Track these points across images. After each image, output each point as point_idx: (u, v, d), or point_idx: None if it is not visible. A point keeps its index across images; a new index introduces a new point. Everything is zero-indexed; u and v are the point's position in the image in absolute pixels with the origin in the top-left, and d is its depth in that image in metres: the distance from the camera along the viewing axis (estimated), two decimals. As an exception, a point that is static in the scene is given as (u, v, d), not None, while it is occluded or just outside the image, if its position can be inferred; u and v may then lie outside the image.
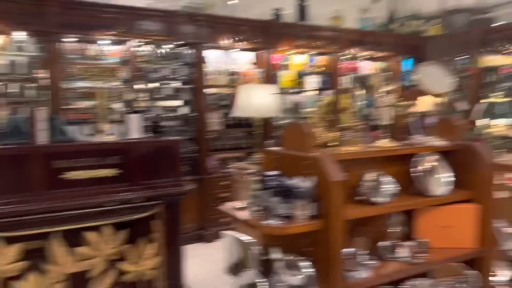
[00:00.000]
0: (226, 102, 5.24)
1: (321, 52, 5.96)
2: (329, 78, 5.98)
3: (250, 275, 1.98)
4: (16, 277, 2.59)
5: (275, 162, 2.27)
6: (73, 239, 2.70)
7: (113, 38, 4.53)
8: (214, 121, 5.19)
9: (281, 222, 1.89)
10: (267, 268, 2.03)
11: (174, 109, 4.97)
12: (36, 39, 4.16)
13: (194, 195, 4.67)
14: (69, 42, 4.35)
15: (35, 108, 2.94)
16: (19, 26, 4.02)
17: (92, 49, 4.52)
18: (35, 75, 4.17)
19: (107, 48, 4.61)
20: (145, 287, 2.98)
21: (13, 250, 2.56)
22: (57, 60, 4.19)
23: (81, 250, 2.72)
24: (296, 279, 1.88)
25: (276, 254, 1.97)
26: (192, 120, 5.03)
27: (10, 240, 2.55)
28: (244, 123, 5.20)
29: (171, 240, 3.22)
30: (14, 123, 2.91)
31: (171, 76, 4.96)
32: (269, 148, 2.54)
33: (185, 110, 5.02)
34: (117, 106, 4.39)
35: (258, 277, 1.96)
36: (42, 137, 2.91)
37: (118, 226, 2.85)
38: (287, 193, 1.90)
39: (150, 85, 4.83)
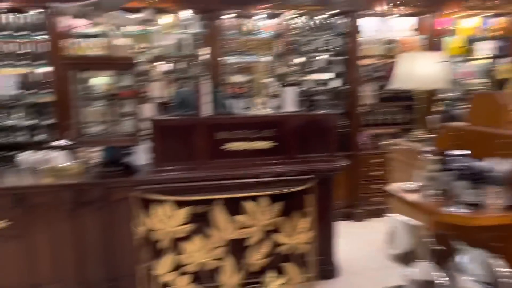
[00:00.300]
0: (381, 74, 4.87)
1: (497, 13, 5.06)
2: (508, 44, 5.06)
3: (424, 267, 1.75)
4: (184, 238, 2.82)
5: (455, 139, 1.95)
6: (233, 208, 2.82)
7: (267, 12, 4.55)
8: (367, 94, 4.88)
9: (467, 211, 1.61)
10: (441, 261, 1.78)
11: (325, 82, 4.81)
12: (199, 17, 4.41)
13: (344, 171, 4.50)
14: (228, 19, 4.51)
15: (200, 82, 3.11)
16: (185, 5, 4.31)
17: (247, 24, 4.61)
18: (197, 51, 4.44)
19: (261, 23, 4.66)
20: (298, 261, 2.97)
21: (182, 213, 2.78)
22: (217, 37, 4.39)
23: (240, 218, 2.82)
24: (486, 279, 1.59)
25: (460, 246, 1.70)
26: (344, 93, 4.81)
27: (180, 204, 2.78)
28: (402, 96, 4.76)
29: (323, 216, 3.15)
30: (182, 97, 3.13)
31: (323, 48, 4.78)
32: (449, 124, 2.21)
33: (337, 83, 4.81)
34: (271, 80, 4.42)
35: (435, 271, 1.72)
36: (206, 109, 3.08)
37: (273, 198, 2.88)
38: (475, 177, 1.60)
39: (302, 58, 4.74)
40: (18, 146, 3.98)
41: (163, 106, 4.10)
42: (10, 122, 4.06)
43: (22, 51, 3.98)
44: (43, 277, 2.91)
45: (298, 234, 2.95)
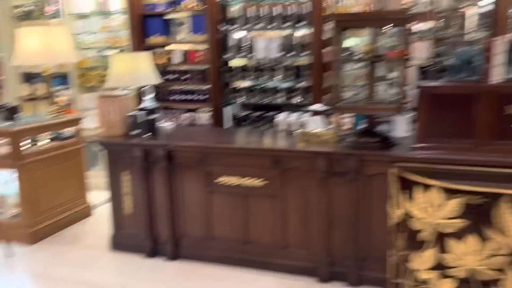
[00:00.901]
0: None
1: None
2: None
3: None
4: (452, 235, 2.29)
5: None
6: (528, 209, 2.10)
7: None
8: None
9: None
10: None
11: None
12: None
13: None
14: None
15: (491, 39, 2.40)
16: None
17: None
18: (476, 2, 3.60)
19: None
20: None
21: (453, 204, 2.24)
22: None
23: (537, 225, 2.09)
24: None
25: None
26: None
27: (449, 192, 2.24)
28: None
29: None
30: (464, 57, 2.50)
31: None
32: None
33: None
34: None
35: None
36: (497, 74, 2.37)
37: None
38: None
39: None
40: (276, 107, 4.16)
41: (423, 70, 3.53)
42: (271, 84, 4.26)
43: (288, 13, 4.02)
44: (292, 240, 2.92)
45: None
